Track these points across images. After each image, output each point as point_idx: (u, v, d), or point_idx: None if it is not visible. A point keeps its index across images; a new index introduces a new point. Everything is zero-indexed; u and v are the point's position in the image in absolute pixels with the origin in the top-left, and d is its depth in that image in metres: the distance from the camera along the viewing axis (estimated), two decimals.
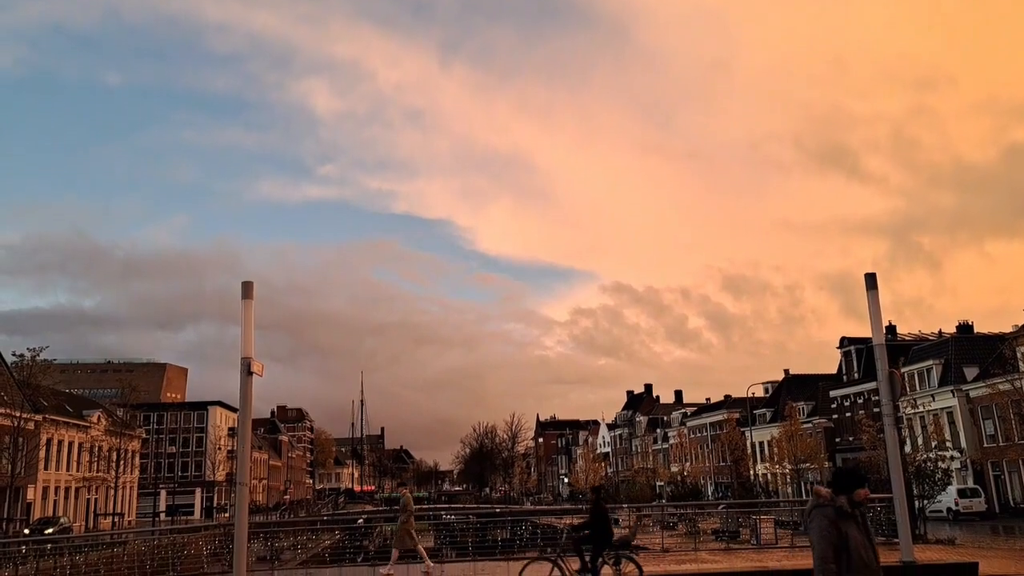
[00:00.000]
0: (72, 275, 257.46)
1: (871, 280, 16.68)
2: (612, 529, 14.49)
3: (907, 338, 66.76)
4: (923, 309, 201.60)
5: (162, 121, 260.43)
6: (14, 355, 52.94)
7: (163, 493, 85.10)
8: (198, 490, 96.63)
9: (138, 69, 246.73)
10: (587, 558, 13.68)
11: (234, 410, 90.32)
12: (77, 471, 65.06)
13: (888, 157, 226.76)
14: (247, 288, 15.90)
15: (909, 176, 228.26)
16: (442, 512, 54.89)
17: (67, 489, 63.56)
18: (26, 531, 46.25)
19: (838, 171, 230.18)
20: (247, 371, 15.50)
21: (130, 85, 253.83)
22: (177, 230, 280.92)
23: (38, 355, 50.33)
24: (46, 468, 59.11)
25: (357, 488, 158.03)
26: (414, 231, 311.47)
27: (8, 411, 49.29)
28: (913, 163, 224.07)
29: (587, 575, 13.57)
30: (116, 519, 66.26)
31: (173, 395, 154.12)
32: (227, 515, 78.64)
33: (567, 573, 13.52)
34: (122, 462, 65.54)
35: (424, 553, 18.13)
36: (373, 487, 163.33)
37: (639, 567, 13.51)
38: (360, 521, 36.31)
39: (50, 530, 46.08)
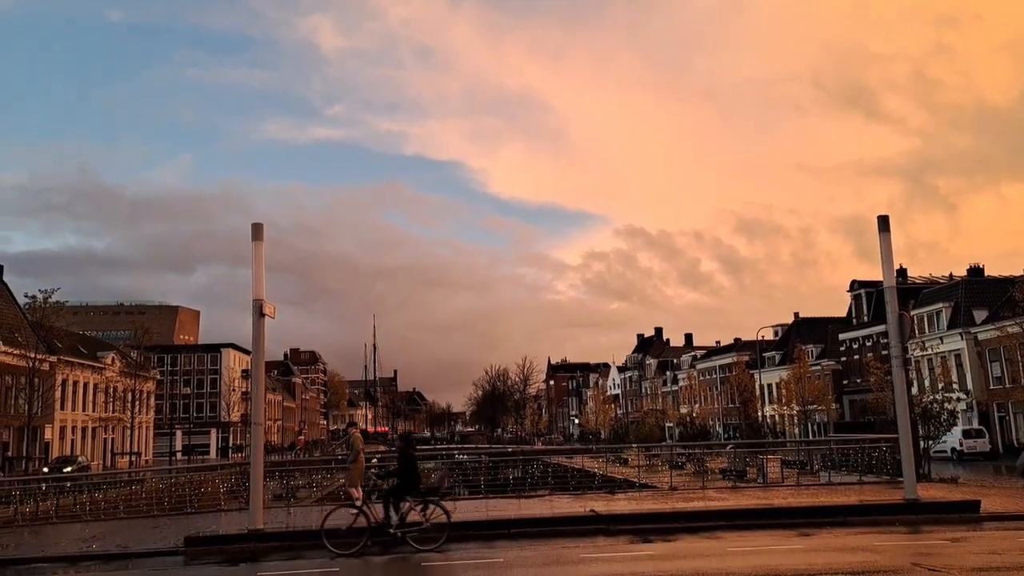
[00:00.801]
0: (80, 217, 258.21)
1: (883, 223, 16.64)
2: (419, 476, 14.70)
3: (918, 281, 66.63)
4: (937, 252, 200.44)
5: (165, 60, 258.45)
6: (26, 296, 53.52)
7: (179, 433, 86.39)
8: (213, 430, 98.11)
9: (140, 6, 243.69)
10: (392, 505, 13.91)
11: (247, 352, 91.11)
12: (93, 411, 66.10)
13: (908, 97, 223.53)
14: (257, 230, 15.99)
15: (928, 117, 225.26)
16: (455, 452, 55.65)
17: (84, 429, 64.70)
18: (45, 469, 47.14)
19: (856, 111, 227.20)
20: (259, 313, 15.68)
21: (132, 23, 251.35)
22: (184, 171, 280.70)
23: (50, 296, 50.77)
24: (62, 408, 60.04)
25: (371, 429, 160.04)
26: (424, 173, 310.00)
27: (23, 352, 49.94)
28: (933, 103, 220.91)
29: (391, 520, 13.77)
30: (133, 458, 67.50)
31: (186, 337, 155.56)
32: (242, 455, 79.98)
33: (371, 519, 13.78)
34: (137, 403, 66.49)
35: (360, 496, 17.87)
36: (387, 428, 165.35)
37: (447, 513, 13.76)
38: (374, 460, 36.85)
39: (68, 468, 46.93)
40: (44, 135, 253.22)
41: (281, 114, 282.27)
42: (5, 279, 59.12)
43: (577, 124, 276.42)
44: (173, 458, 74.61)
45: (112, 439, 70.46)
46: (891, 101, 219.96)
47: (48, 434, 57.53)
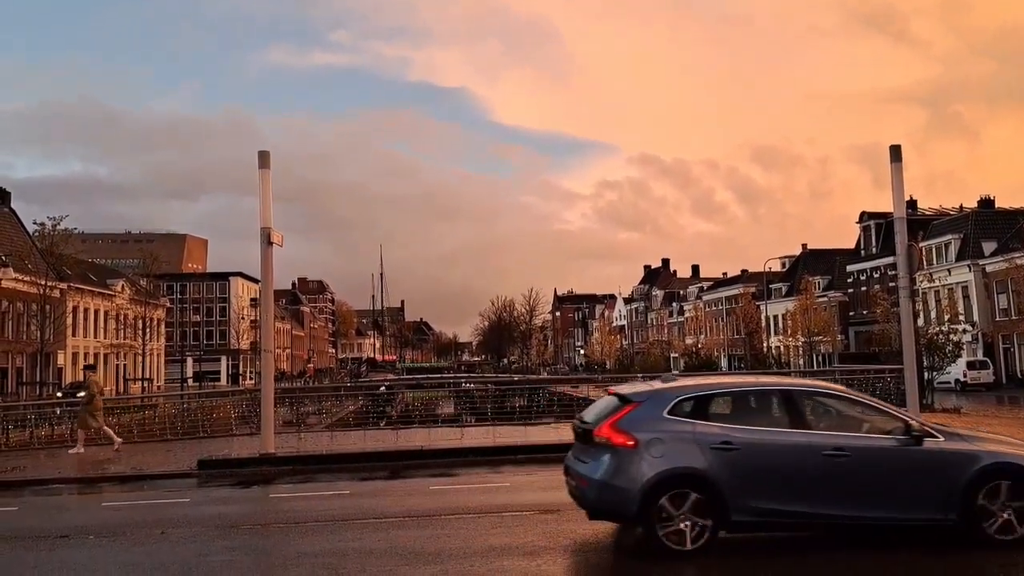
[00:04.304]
0: (83, 143, 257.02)
1: (895, 152, 16.44)
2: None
3: (928, 213, 66.13)
4: (954, 182, 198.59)
5: None
6: (35, 223, 53.54)
7: (189, 360, 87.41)
8: (223, 358, 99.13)
9: None
10: None
11: (255, 281, 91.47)
12: (104, 338, 66.80)
13: (935, 19, 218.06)
14: (263, 157, 15.88)
15: (954, 41, 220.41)
16: (462, 381, 56.30)
17: (96, 355, 65.48)
18: (59, 394, 47.86)
19: (882, 34, 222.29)
20: (267, 241, 15.70)
21: None
22: (188, 98, 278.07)
23: (59, 224, 50.82)
24: (74, 335, 60.65)
25: (379, 358, 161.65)
26: (430, 101, 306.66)
27: (34, 279, 50.23)
28: (960, 27, 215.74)
29: None
30: (145, 384, 68.44)
31: (194, 266, 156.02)
32: (252, 381, 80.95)
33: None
34: (148, 330, 67.09)
35: (112, 433, 18.32)
36: (395, 357, 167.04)
37: None
38: (383, 388, 37.38)
39: (82, 393, 47.54)
40: (44, 58, 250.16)
41: (284, 39, 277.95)
42: (12, 206, 59.16)
43: (586, 51, 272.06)
44: (184, 384, 75.61)
45: (124, 365, 71.36)
46: (918, 24, 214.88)
47: (61, 360, 58.25)
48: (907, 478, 7.74)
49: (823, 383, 9.86)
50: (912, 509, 7.73)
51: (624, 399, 8.23)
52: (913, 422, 8.00)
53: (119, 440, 18.31)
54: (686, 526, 7.42)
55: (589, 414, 8.70)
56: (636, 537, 7.93)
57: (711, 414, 7.95)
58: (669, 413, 7.87)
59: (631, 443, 7.64)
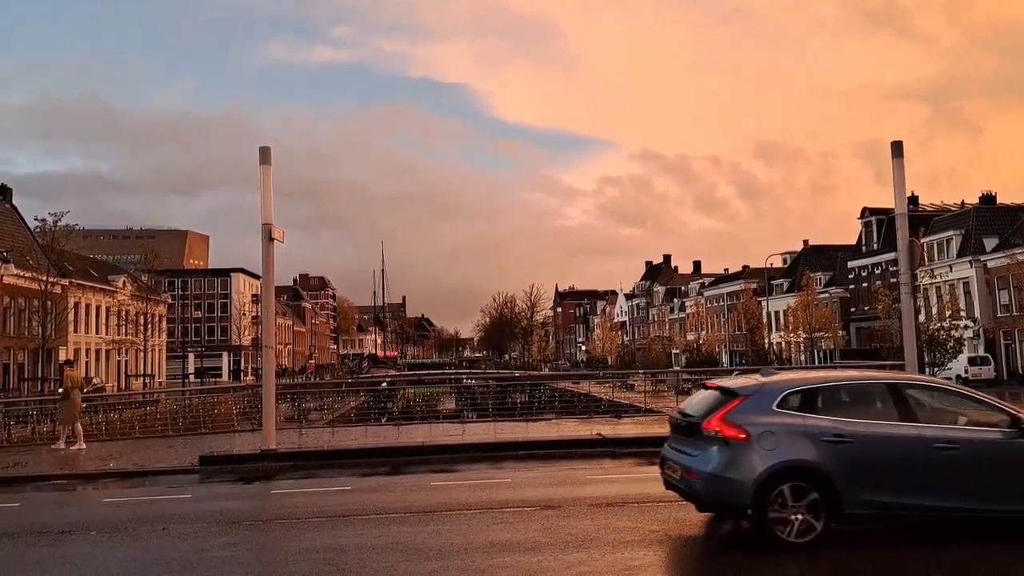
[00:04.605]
0: (85, 139, 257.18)
1: (897, 148, 16.43)
2: None
3: (929, 208, 66.02)
4: (956, 178, 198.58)
5: None
6: (36, 219, 53.55)
7: (191, 356, 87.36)
8: (225, 354, 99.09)
9: None
10: None
11: (257, 277, 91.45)
12: (106, 334, 66.81)
13: (941, 14, 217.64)
14: (265, 153, 15.87)
15: (958, 37, 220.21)
16: (463, 377, 56.28)
17: (98, 351, 65.50)
18: (60, 390, 47.88)
19: (887, 29, 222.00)
20: (268, 237, 15.70)
21: None
22: (189, 94, 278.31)
23: (60, 220, 50.80)
24: (76, 331, 60.63)
25: (380, 354, 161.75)
26: (431, 98, 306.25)
27: (35, 275, 50.24)
28: (965, 21, 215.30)
29: None
30: (147, 380, 68.47)
31: (195, 262, 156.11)
32: (254, 377, 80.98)
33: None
34: (149, 326, 67.11)
35: (80, 432, 18.31)
36: (396, 353, 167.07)
37: None
38: (384, 384, 37.45)
39: (84, 390, 47.56)
40: (48, 55, 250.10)
41: (285, 35, 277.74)
42: (13, 202, 59.11)
43: (588, 47, 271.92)
44: (186, 381, 75.61)
45: (126, 361, 71.40)
46: (922, 19, 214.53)
47: (62, 356, 58.20)
48: (1017, 470, 7.85)
49: (927, 377, 9.96)
50: (1022, 501, 7.86)
51: (730, 392, 8.33)
52: (1020, 414, 8.08)
53: (64, 445, 18.12)
54: (798, 518, 7.52)
55: (691, 407, 8.85)
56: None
57: (819, 407, 8.03)
58: (778, 406, 7.97)
59: (743, 436, 7.76)
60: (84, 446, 17.92)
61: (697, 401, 8.99)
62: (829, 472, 7.56)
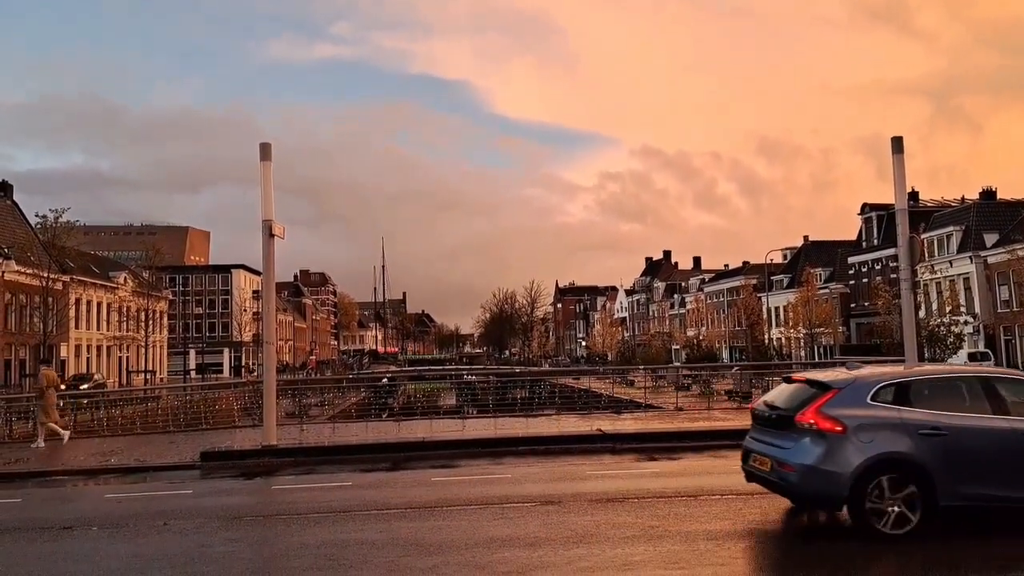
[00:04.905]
0: (86, 135, 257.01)
1: (897, 144, 16.42)
2: None
3: (929, 204, 66.05)
4: (957, 174, 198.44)
5: None
6: (37, 216, 53.53)
7: (192, 352, 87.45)
8: (226, 350, 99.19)
9: None
10: None
11: (257, 273, 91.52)
12: (107, 330, 66.85)
13: (942, 12, 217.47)
14: (265, 149, 15.85)
15: (960, 34, 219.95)
16: (464, 372, 56.35)
17: (99, 347, 65.55)
18: (62, 386, 47.81)
19: (888, 27, 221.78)
20: (268, 233, 15.70)
21: None
22: (189, 91, 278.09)
23: (60, 216, 50.79)
24: (77, 327, 60.68)
25: (381, 349, 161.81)
26: (431, 95, 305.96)
27: (36, 271, 50.26)
28: (967, 17, 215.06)
29: None
30: (148, 376, 68.55)
31: (196, 258, 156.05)
32: (255, 373, 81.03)
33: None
34: (150, 322, 67.13)
35: (60, 431, 18.32)
36: (397, 349, 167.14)
37: None
38: (385, 380, 37.54)
39: (85, 386, 47.64)
40: (49, 52, 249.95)
41: (286, 32, 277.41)
42: (14, 198, 59.12)
43: (589, 43, 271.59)
44: (187, 376, 75.66)
45: (127, 358, 71.47)
46: (924, 16, 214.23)
47: (64, 352, 58.34)
48: None
49: (1016, 371, 10.01)
50: None
51: (822, 386, 8.36)
52: None
53: (43, 444, 18.03)
54: (894, 510, 7.60)
55: (779, 400, 8.89)
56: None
57: (912, 401, 8.07)
58: (872, 399, 8.02)
59: (839, 428, 7.81)
60: (44, 444, 17.92)
61: (783, 394, 9.01)
62: (925, 464, 7.63)
